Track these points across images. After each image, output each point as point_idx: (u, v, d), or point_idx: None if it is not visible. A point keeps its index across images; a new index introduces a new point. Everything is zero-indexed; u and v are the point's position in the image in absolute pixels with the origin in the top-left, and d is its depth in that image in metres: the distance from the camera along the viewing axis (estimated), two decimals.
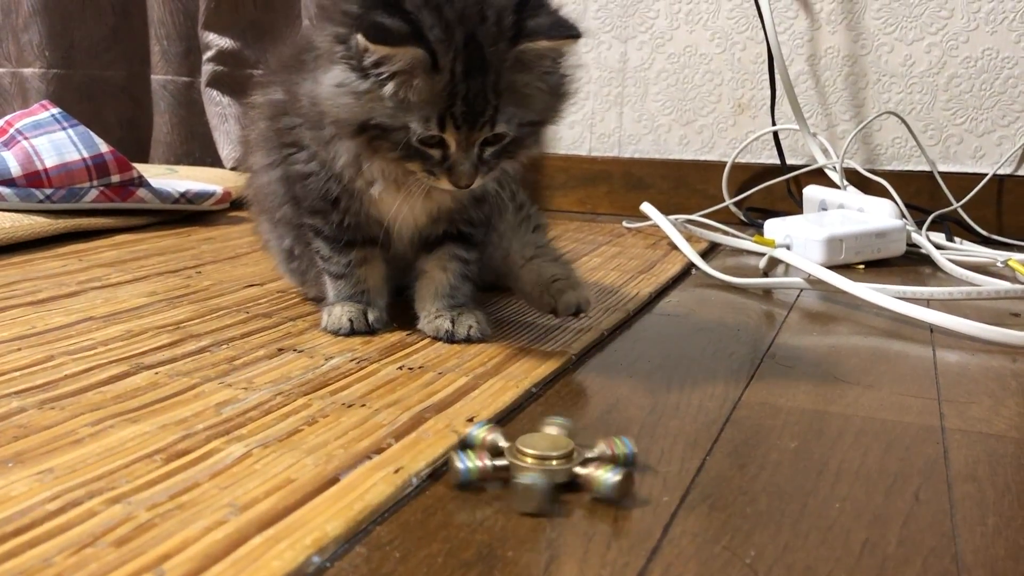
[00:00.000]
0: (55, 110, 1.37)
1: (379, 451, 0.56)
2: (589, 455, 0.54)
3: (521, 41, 0.67)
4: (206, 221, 1.44)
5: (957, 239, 1.33)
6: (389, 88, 0.67)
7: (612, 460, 0.54)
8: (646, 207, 1.38)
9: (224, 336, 0.80)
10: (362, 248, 0.83)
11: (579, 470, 0.53)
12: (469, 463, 0.53)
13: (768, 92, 1.54)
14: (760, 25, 1.50)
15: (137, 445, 0.56)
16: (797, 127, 1.51)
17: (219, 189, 1.46)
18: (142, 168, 1.45)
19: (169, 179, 1.52)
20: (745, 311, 0.99)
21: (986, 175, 1.43)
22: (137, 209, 1.37)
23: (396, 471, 0.53)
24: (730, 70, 1.60)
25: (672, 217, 1.36)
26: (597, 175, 1.69)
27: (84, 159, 1.31)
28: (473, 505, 0.51)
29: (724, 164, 1.56)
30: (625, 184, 1.67)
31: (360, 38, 0.66)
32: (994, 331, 0.86)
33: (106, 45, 1.94)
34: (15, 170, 1.28)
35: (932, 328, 0.90)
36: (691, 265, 1.17)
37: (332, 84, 0.69)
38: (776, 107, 1.54)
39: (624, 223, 1.49)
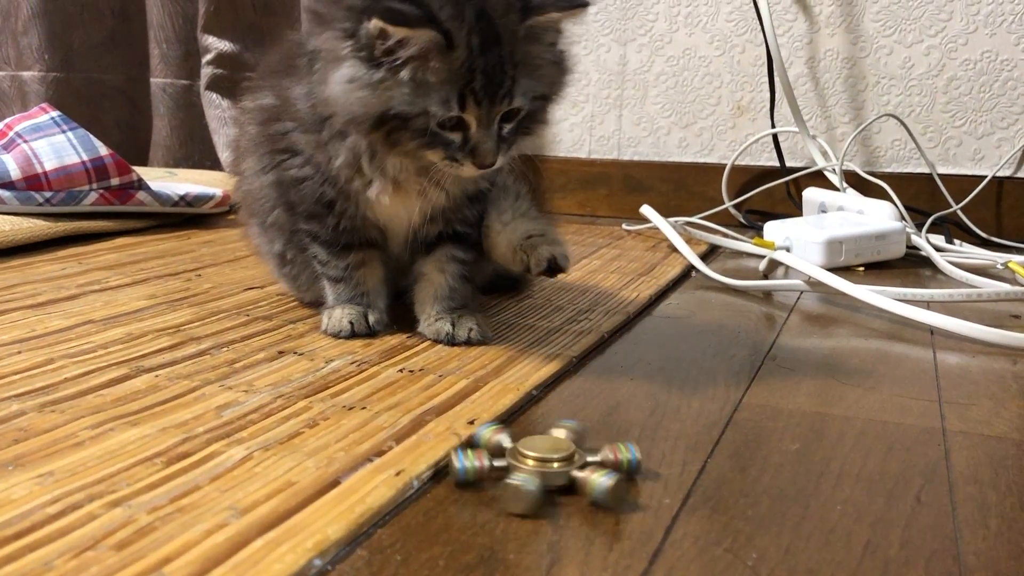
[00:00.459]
0: (54, 113, 1.37)
1: (380, 454, 0.56)
2: (591, 459, 0.54)
3: (531, 14, 0.69)
4: (206, 224, 1.44)
5: (957, 241, 1.33)
6: (405, 74, 0.67)
7: (615, 466, 0.54)
8: (646, 209, 1.38)
9: (224, 339, 0.80)
10: (360, 251, 0.83)
11: (576, 474, 0.53)
12: (467, 462, 0.53)
13: (767, 95, 1.54)
14: (759, 28, 1.50)
15: (137, 448, 0.56)
16: (796, 129, 1.51)
17: (219, 192, 1.46)
18: (141, 171, 1.45)
19: (168, 182, 1.52)
20: (745, 313, 0.99)
21: (985, 177, 1.43)
22: (136, 212, 1.37)
23: (397, 474, 0.53)
24: (729, 73, 1.60)
25: (672, 219, 1.36)
26: (596, 178, 1.69)
27: (83, 162, 1.31)
28: (474, 508, 0.51)
29: (723, 166, 1.56)
30: (624, 187, 1.67)
31: (375, 23, 0.66)
32: (994, 333, 0.86)
33: (105, 48, 1.94)
34: (14, 173, 1.28)
35: (932, 330, 0.90)
36: (691, 267, 1.17)
37: (343, 81, 0.69)
38: (775, 109, 1.54)
39: (624, 226, 1.49)
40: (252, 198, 0.89)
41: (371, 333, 0.83)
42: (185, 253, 1.20)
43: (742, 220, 1.54)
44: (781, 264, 1.19)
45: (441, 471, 0.55)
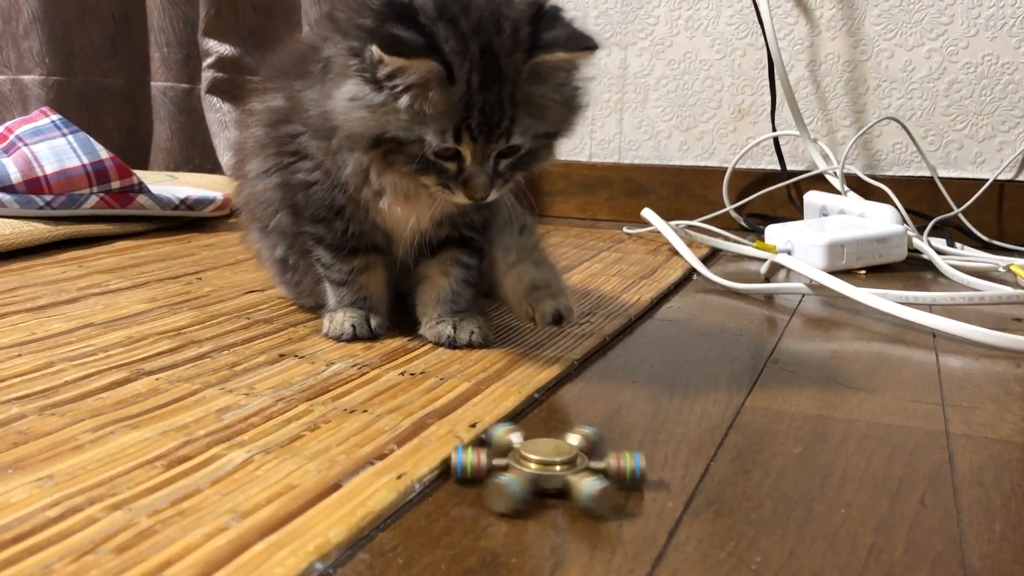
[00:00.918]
0: (55, 116, 1.36)
1: (381, 457, 0.56)
2: (594, 466, 0.54)
3: (537, 53, 0.67)
4: (206, 227, 1.44)
5: (958, 244, 1.33)
6: (404, 101, 0.67)
7: (618, 474, 0.53)
8: (647, 213, 1.38)
9: (225, 342, 0.80)
10: (364, 255, 0.83)
11: (571, 479, 0.52)
12: (464, 458, 0.53)
13: (768, 98, 1.54)
14: (760, 31, 1.50)
15: (138, 451, 0.56)
16: (797, 133, 1.51)
17: (219, 195, 1.46)
18: (142, 175, 1.45)
19: (169, 185, 1.52)
20: (747, 316, 0.99)
21: (987, 180, 1.43)
22: (137, 215, 1.37)
23: (398, 477, 0.53)
24: (730, 76, 1.60)
25: (673, 223, 1.36)
26: (597, 181, 1.69)
27: (84, 165, 1.31)
28: (477, 511, 0.51)
29: (725, 170, 1.56)
30: (625, 190, 1.67)
31: (375, 49, 0.65)
32: (997, 336, 0.85)
33: (106, 52, 1.94)
34: (15, 176, 1.28)
35: (935, 333, 0.90)
36: (692, 271, 1.17)
37: (346, 98, 0.69)
38: (776, 113, 1.54)
39: (625, 229, 1.49)
40: (255, 202, 0.88)
41: (373, 337, 0.82)
42: (185, 256, 1.20)
43: (743, 223, 1.54)
44: (782, 267, 1.19)
45: (443, 474, 0.55)
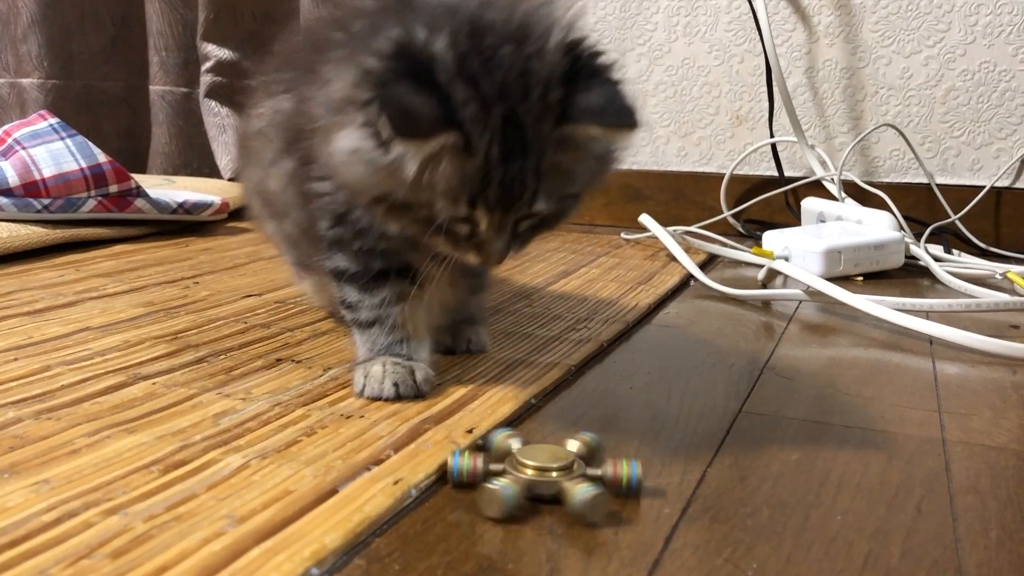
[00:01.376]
0: (53, 120, 1.36)
1: (378, 462, 0.56)
2: (590, 472, 0.54)
3: (568, 124, 0.58)
4: (204, 231, 1.44)
5: (955, 251, 1.33)
6: (412, 168, 0.57)
7: (614, 481, 0.53)
8: (644, 219, 1.38)
9: (222, 346, 0.80)
10: (396, 282, 0.71)
11: (565, 485, 0.52)
12: (460, 462, 0.53)
13: (766, 104, 1.54)
14: (758, 38, 1.50)
15: (134, 456, 0.56)
16: (795, 139, 1.51)
17: (217, 199, 1.46)
18: (140, 178, 1.45)
19: (167, 189, 1.52)
20: (744, 323, 0.99)
21: (984, 187, 1.43)
22: (135, 219, 1.37)
23: (395, 483, 0.53)
24: (728, 82, 1.60)
25: (670, 229, 1.36)
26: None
27: (82, 169, 1.31)
28: (473, 517, 0.51)
29: (722, 176, 1.57)
30: (623, 196, 1.67)
31: (383, 121, 0.56)
32: (994, 343, 0.85)
33: (105, 56, 1.94)
34: (13, 180, 1.28)
35: (932, 340, 0.90)
36: (690, 276, 1.17)
37: (346, 149, 0.59)
38: (774, 119, 1.54)
39: (622, 235, 1.49)
40: (268, 199, 0.80)
41: (419, 395, 0.68)
42: (183, 260, 1.20)
43: (741, 229, 1.54)
44: (780, 274, 1.19)
45: (439, 480, 0.55)
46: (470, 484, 0.54)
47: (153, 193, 1.40)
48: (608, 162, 0.64)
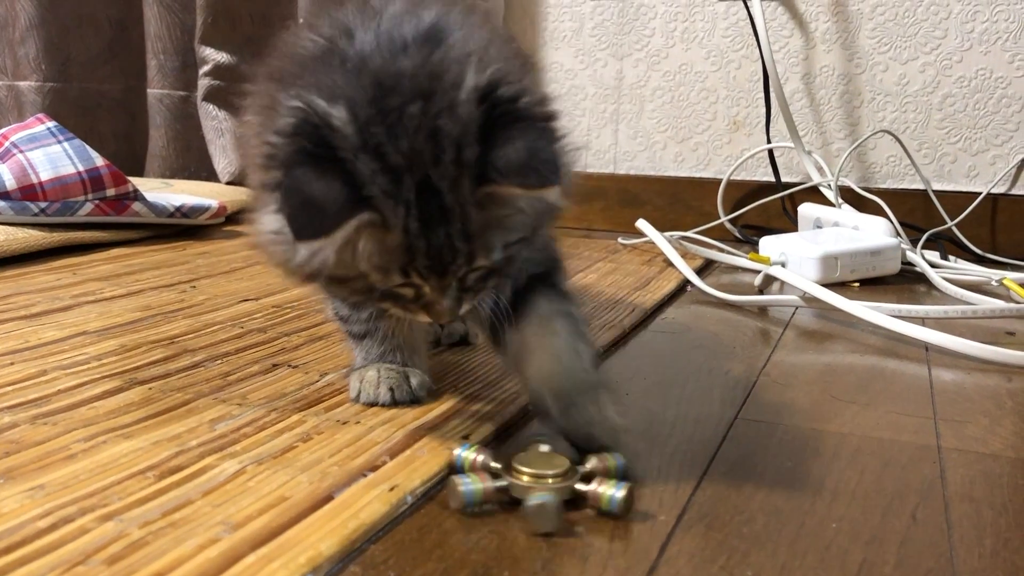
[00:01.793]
0: (51, 123, 1.36)
1: (374, 469, 0.56)
2: (585, 470, 0.54)
3: (488, 184, 0.52)
4: (201, 235, 1.44)
5: (952, 257, 1.34)
6: (331, 255, 0.53)
7: (604, 473, 0.54)
8: (641, 224, 1.38)
9: (218, 351, 0.80)
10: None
11: (581, 487, 0.52)
12: (473, 485, 0.52)
13: (763, 110, 1.55)
14: (755, 44, 1.51)
15: (130, 461, 0.56)
16: (792, 145, 1.51)
17: (214, 203, 1.46)
18: (137, 182, 1.45)
19: (164, 193, 1.52)
20: (741, 328, 0.99)
21: (980, 194, 1.43)
22: (132, 223, 1.37)
23: (391, 489, 0.53)
24: (725, 88, 1.60)
25: (667, 234, 1.36)
26: (592, 191, 1.69)
27: (79, 172, 1.31)
28: (468, 524, 0.51)
29: (719, 181, 1.57)
30: (620, 201, 1.67)
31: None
32: (989, 350, 0.86)
33: (103, 59, 1.94)
34: (10, 183, 1.28)
35: (927, 347, 0.90)
36: (686, 282, 1.17)
37: (269, 230, 0.55)
38: (771, 125, 1.55)
39: (619, 239, 1.49)
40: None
41: (415, 400, 0.68)
42: (180, 264, 1.20)
43: (738, 235, 1.54)
44: (776, 279, 1.19)
45: (435, 487, 0.55)
46: (480, 506, 0.52)
47: (150, 197, 1.40)
48: (549, 208, 0.57)
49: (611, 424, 0.59)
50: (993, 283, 1.19)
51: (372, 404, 0.67)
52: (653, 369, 0.82)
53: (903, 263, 1.25)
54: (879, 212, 1.39)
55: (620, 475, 0.54)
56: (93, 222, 1.32)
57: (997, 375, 0.83)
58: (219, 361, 0.77)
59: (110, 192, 1.33)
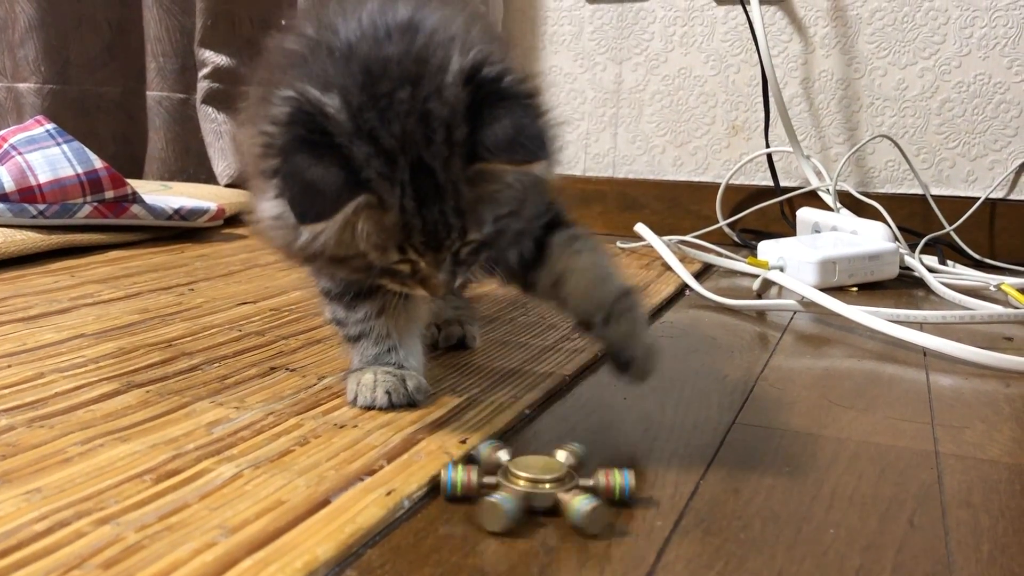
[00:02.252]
0: (50, 125, 1.36)
1: (371, 473, 0.56)
2: (583, 483, 0.54)
3: (477, 161, 0.55)
4: (200, 238, 1.44)
5: (950, 262, 1.34)
6: (331, 236, 0.56)
7: (607, 491, 0.53)
8: (640, 228, 1.38)
9: (216, 354, 0.80)
10: (376, 297, 0.69)
11: (562, 496, 0.52)
12: (455, 476, 0.53)
13: (762, 114, 1.55)
14: (754, 48, 1.51)
15: (127, 464, 0.56)
16: (791, 149, 1.52)
17: (213, 206, 1.46)
18: (136, 184, 1.45)
19: (163, 195, 1.51)
20: (739, 333, 0.99)
21: (979, 199, 1.43)
22: (130, 225, 1.37)
23: (388, 493, 0.53)
24: (724, 92, 1.60)
25: (666, 238, 1.36)
26: (591, 195, 1.69)
27: (78, 175, 1.31)
28: (465, 529, 0.51)
29: (718, 185, 1.57)
30: (619, 204, 1.67)
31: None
32: (987, 355, 0.86)
33: (102, 61, 1.94)
34: (8, 185, 1.28)
35: (925, 351, 0.90)
36: (685, 286, 1.17)
37: (270, 215, 0.58)
38: (770, 129, 1.55)
39: (618, 243, 1.49)
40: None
41: (412, 403, 0.68)
42: (178, 267, 1.20)
43: (736, 239, 1.54)
44: (775, 284, 1.19)
45: (432, 491, 0.55)
46: (464, 498, 0.54)
47: (149, 199, 1.40)
48: (537, 181, 0.61)
49: (644, 340, 0.68)
50: (991, 288, 1.19)
51: (369, 408, 0.68)
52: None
53: (901, 268, 1.25)
54: (877, 217, 1.39)
55: (623, 494, 0.54)
56: (91, 224, 1.32)
57: (995, 380, 0.83)
58: (217, 364, 0.77)
59: (109, 194, 1.33)
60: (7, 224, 1.25)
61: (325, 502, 0.51)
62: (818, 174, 1.52)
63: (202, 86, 1.83)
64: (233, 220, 1.50)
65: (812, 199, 1.50)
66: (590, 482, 0.54)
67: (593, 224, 1.68)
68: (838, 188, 1.45)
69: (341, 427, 0.63)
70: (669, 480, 0.58)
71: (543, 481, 0.53)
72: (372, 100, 0.54)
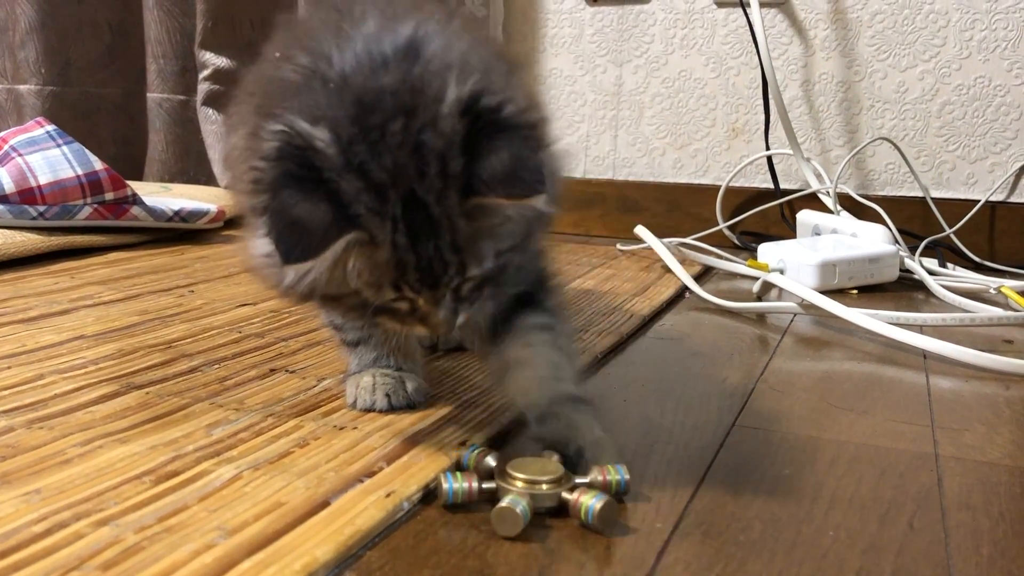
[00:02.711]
0: (50, 127, 1.37)
1: (370, 474, 0.56)
2: (580, 481, 0.54)
3: (473, 195, 0.52)
4: (199, 240, 1.44)
5: (950, 265, 1.34)
6: (322, 274, 0.53)
7: (604, 487, 0.54)
8: (640, 230, 1.38)
9: (216, 356, 0.80)
10: None
11: (567, 496, 0.52)
12: (455, 484, 0.53)
13: (762, 117, 1.55)
14: (755, 50, 1.51)
15: (126, 466, 0.56)
16: (791, 152, 1.52)
17: (213, 208, 1.46)
18: (136, 186, 1.45)
19: (163, 197, 1.52)
20: (739, 335, 0.99)
21: (979, 201, 1.43)
22: (130, 227, 1.37)
23: (387, 495, 0.53)
24: (724, 95, 1.60)
25: (666, 240, 1.36)
26: (591, 197, 1.69)
27: (78, 176, 1.31)
28: (465, 530, 0.51)
29: (718, 188, 1.57)
30: (619, 207, 1.67)
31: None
32: (987, 358, 0.86)
33: (102, 63, 1.94)
34: (8, 186, 1.28)
35: (925, 354, 0.90)
36: (685, 288, 1.17)
37: (260, 253, 0.55)
38: (770, 132, 1.55)
39: (618, 246, 1.49)
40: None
41: (411, 405, 0.68)
42: (178, 269, 1.20)
43: (736, 241, 1.54)
44: (775, 286, 1.19)
45: (432, 492, 0.55)
46: (464, 505, 0.53)
47: (149, 201, 1.40)
48: (538, 215, 0.57)
49: (587, 430, 0.59)
50: (991, 291, 1.19)
51: (369, 410, 0.67)
52: (651, 375, 0.82)
53: (901, 270, 1.25)
54: (877, 219, 1.39)
55: (620, 489, 0.54)
56: (91, 226, 1.32)
57: (995, 383, 0.83)
58: (216, 366, 0.77)
59: (109, 196, 1.33)
60: (7, 225, 1.25)
61: (325, 504, 0.51)
62: (818, 176, 1.52)
63: (202, 88, 1.83)
64: (233, 222, 1.50)
65: (812, 201, 1.50)
66: (587, 479, 0.54)
67: (593, 227, 1.68)
68: (838, 190, 1.45)
69: (341, 429, 0.63)
70: (669, 482, 0.58)
71: (544, 482, 0.53)
72: (363, 132, 0.51)
